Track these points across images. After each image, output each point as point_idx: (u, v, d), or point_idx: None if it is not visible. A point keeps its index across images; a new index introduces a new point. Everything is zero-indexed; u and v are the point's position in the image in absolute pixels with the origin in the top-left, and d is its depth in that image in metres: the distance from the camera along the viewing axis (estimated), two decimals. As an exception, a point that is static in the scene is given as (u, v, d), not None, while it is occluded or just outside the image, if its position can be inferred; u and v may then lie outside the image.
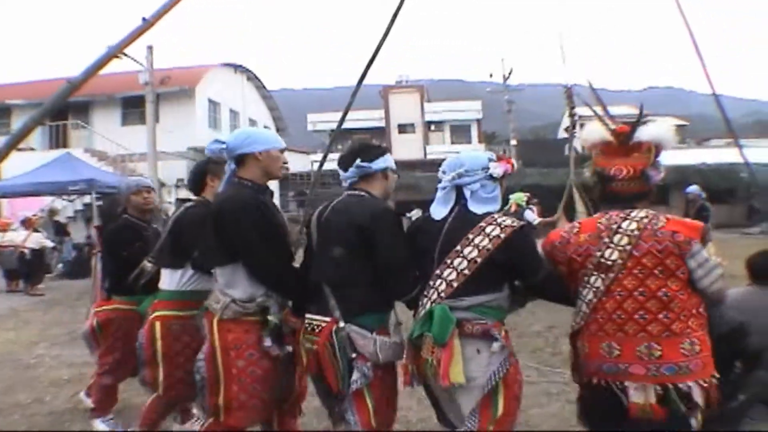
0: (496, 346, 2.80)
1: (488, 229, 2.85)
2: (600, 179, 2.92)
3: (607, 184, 2.88)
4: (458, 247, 2.86)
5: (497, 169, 3.04)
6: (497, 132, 54.72)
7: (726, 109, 4.92)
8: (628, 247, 2.68)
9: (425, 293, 2.91)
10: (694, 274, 2.63)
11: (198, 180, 4.14)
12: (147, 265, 4.37)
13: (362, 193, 3.23)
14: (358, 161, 3.22)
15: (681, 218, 2.78)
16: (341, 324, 2.97)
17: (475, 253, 2.82)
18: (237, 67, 34.44)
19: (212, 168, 4.02)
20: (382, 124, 44.63)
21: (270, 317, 3.21)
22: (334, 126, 33.22)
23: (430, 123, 45.24)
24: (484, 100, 45.98)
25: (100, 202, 15.19)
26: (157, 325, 3.94)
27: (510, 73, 36.95)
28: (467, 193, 3.02)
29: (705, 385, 2.58)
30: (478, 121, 45.14)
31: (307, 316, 3.13)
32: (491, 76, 38.54)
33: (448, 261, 2.86)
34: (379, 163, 3.25)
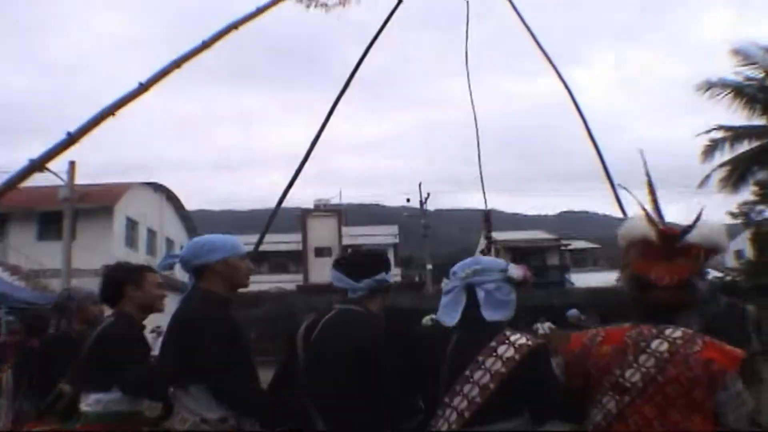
0: None
1: (500, 350, 2.51)
2: (637, 285, 2.52)
3: (645, 292, 2.48)
4: (467, 372, 2.51)
5: (516, 272, 2.73)
6: (414, 256, 55.82)
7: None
8: (653, 371, 2.31)
9: (433, 423, 2.56)
10: (719, 408, 2.26)
11: (113, 290, 3.67)
12: (65, 387, 3.96)
13: (358, 309, 2.96)
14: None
15: (720, 343, 2.36)
16: None
17: (487, 378, 2.48)
18: (156, 187, 34.30)
19: (130, 276, 3.63)
20: (299, 247, 44.87)
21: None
22: (251, 248, 32.54)
23: (347, 247, 45.79)
24: (401, 225, 47.32)
25: (11, 317, 14.70)
26: None
27: (427, 198, 38.55)
28: (481, 295, 2.66)
29: None
30: (395, 245, 45.97)
31: None
32: (408, 200, 40.21)
33: (458, 388, 2.51)
34: (368, 282, 2.99)
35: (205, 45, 9.25)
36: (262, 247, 5.69)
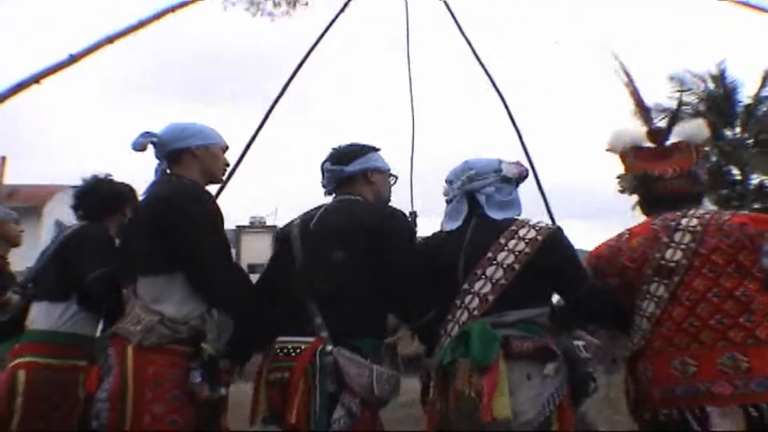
0: (551, 368, 2.35)
1: (522, 232, 2.50)
2: (643, 182, 2.64)
3: (653, 186, 2.61)
4: (489, 254, 2.47)
5: (511, 169, 2.69)
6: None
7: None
8: (693, 245, 2.34)
9: (449, 316, 2.48)
10: None
11: (102, 204, 3.45)
12: (12, 297, 3.53)
13: (356, 197, 2.80)
14: (327, 165, 2.84)
15: (747, 213, 2.53)
16: (328, 347, 2.44)
17: (511, 258, 2.44)
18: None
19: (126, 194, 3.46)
20: (233, 262, 44.25)
21: (204, 345, 2.52)
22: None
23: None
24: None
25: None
26: (20, 374, 3.12)
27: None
28: (482, 199, 2.64)
29: None
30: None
31: (280, 339, 2.59)
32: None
33: (479, 272, 2.46)
34: (356, 165, 2.82)
35: (141, 24, 8.96)
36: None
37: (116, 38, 8.71)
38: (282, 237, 2.88)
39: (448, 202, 2.73)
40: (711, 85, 21.77)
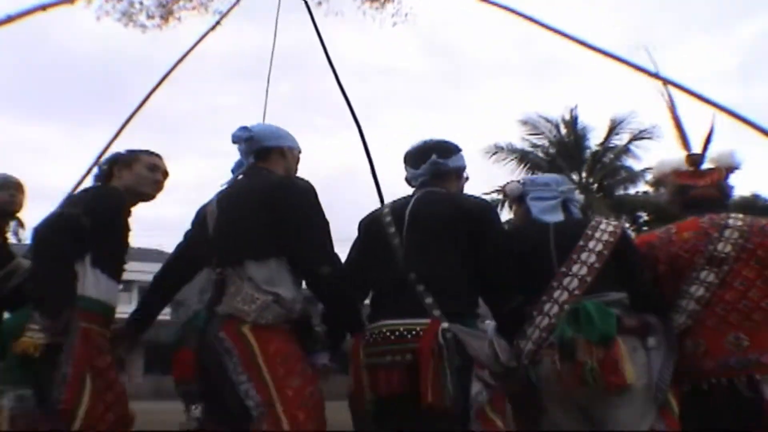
0: (652, 341, 2.68)
1: (602, 226, 2.85)
2: (680, 191, 3.09)
3: (688, 192, 3.04)
4: (581, 242, 2.79)
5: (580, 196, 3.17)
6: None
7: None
8: (741, 241, 2.76)
9: (544, 297, 2.73)
10: None
11: (109, 170, 3.27)
12: (22, 261, 3.40)
13: (443, 190, 2.93)
14: (434, 157, 2.92)
15: None
16: (445, 324, 2.52)
17: (600, 246, 2.77)
18: None
19: (124, 157, 3.28)
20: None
21: (317, 327, 2.73)
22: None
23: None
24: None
25: None
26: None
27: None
28: (573, 209, 3.06)
29: None
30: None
31: (384, 322, 2.65)
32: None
33: (574, 256, 2.76)
34: (455, 161, 3.00)
35: (10, 19, 7.91)
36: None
37: (49, 6, 8.38)
38: (370, 225, 2.97)
39: (545, 199, 3.01)
40: (563, 131, 22.52)
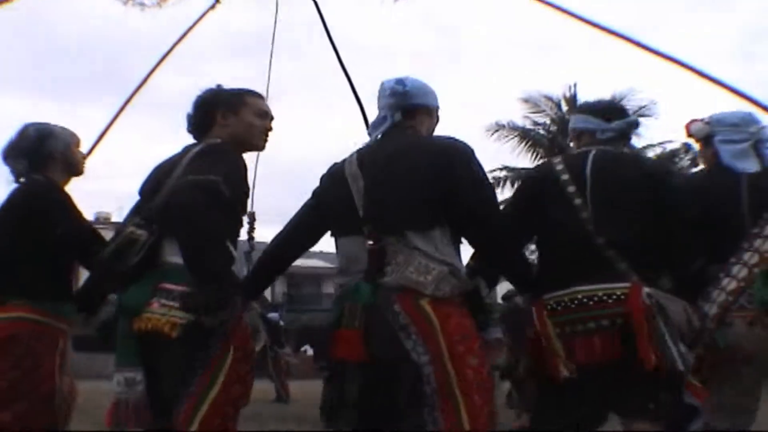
0: None
1: None
2: None
3: None
4: None
5: None
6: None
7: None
8: None
9: (733, 259, 2.59)
10: None
11: (207, 116, 2.77)
12: (139, 233, 2.51)
13: (615, 150, 2.79)
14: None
15: None
16: (647, 289, 2.42)
17: None
18: None
19: (227, 101, 2.78)
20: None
21: (487, 300, 2.63)
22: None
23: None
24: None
25: None
26: None
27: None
28: (766, 153, 2.85)
29: None
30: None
31: (575, 288, 2.50)
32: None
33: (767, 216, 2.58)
34: (620, 124, 2.85)
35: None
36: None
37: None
38: (543, 181, 2.82)
39: (735, 142, 2.82)
40: (564, 108, 22.48)
